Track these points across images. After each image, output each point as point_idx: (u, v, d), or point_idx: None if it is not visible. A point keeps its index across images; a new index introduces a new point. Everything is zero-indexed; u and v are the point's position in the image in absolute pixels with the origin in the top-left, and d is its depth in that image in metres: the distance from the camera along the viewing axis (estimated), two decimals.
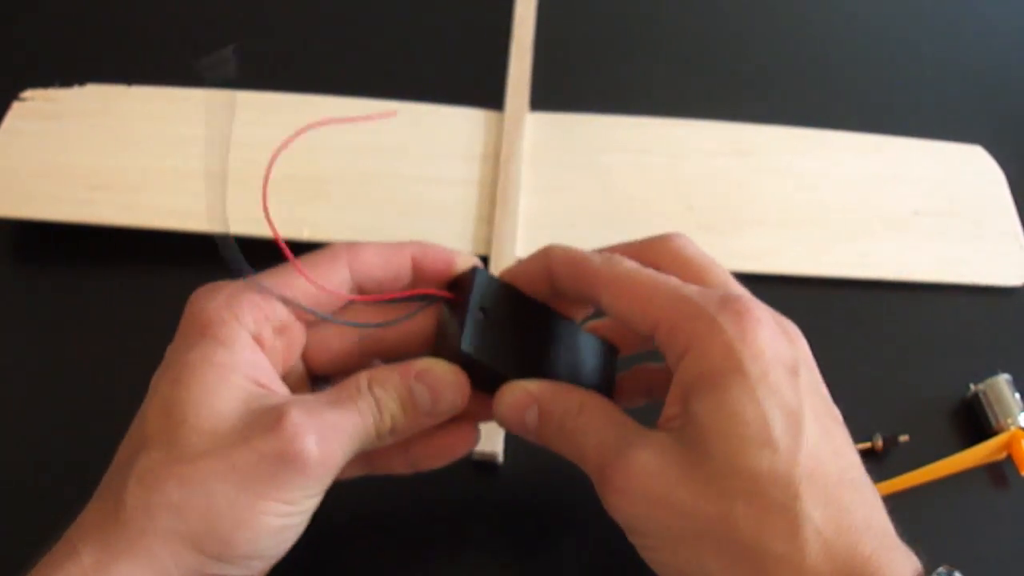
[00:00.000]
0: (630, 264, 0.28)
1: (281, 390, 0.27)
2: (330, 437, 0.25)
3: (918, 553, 0.25)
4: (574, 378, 0.29)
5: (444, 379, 0.28)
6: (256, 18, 0.54)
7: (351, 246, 0.29)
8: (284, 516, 0.25)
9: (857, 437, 0.39)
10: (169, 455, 0.24)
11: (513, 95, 0.47)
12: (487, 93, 0.48)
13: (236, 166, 0.44)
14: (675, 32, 0.55)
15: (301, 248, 0.42)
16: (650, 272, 0.27)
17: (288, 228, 0.42)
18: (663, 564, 0.26)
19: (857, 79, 0.53)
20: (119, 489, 0.24)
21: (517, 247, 0.42)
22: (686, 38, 0.55)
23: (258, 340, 0.27)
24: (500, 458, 0.37)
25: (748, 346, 0.25)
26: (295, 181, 0.44)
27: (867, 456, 0.39)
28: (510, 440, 0.37)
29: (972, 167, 0.48)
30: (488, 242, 0.42)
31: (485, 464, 0.37)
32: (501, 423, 0.29)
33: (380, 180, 0.44)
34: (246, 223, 0.43)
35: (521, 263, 0.30)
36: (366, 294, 0.29)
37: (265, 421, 0.25)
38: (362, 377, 0.27)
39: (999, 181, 0.47)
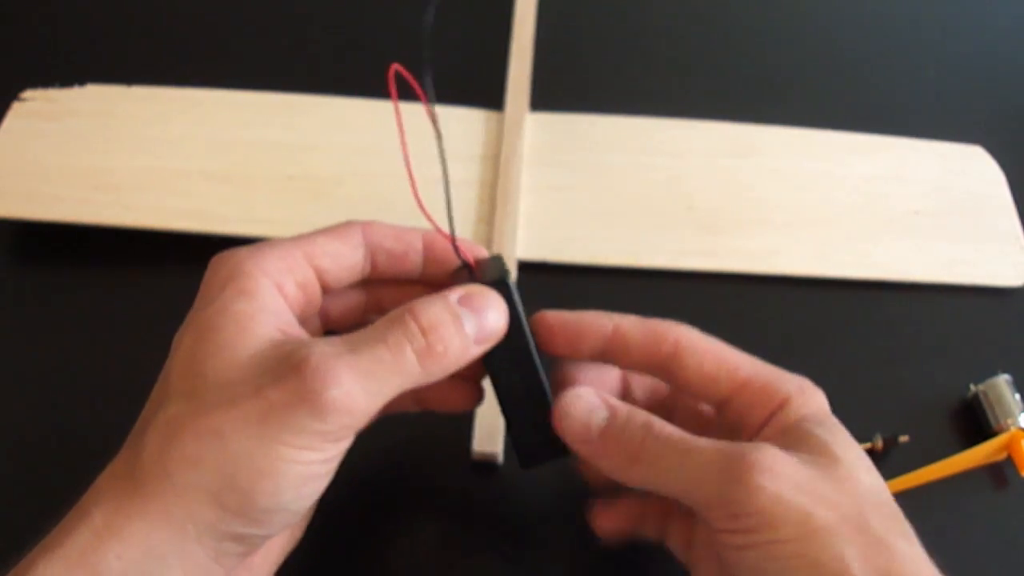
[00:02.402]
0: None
1: (303, 337, 0.26)
2: (354, 379, 0.24)
3: None
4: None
5: (487, 299, 0.27)
6: (256, 18, 0.54)
7: (365, 221, 0.30)
8: (306, 464, 0.24)
9: (857, 437, 0.39)
10: (187, 407, 0.24)
11: (513, 95, 0.47)
12: (487, 93, 0.48)
13: (236, 166, 0.45)
14: (675, 32, 0.55)
15: None
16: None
17: (289, 228, 0.42)
18: (777, 560, 0.25)
19: (857, 79, 0.53)
20: (136, 447, 0.24)
21: (517, 247, 0.42)
22: (686, 38, 0.55)
23: (280, 289, 0.26)
24: (500, 458, 0.37)
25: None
26: (295, 181, 0.44)
27: (867, 456, 0.39)
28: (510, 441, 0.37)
29: (972, 167, 0.48)
30: (488, 242, 0.42)
31: (485, 464, 0.37)
32: (565, 417, 0.28)
33: (380, 180, 0.44)
34: (246, 223, 0.43)
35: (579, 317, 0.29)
36: (379, 267, 0.30)
37: (285, 367, 0.23)
38: (399, 312, 0.26)
39: (999, 181, 0.47)
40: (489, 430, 0.37)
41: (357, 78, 0.51)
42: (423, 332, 0.25)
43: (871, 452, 0.39)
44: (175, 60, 0.51)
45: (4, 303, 0.42)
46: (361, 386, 0.24)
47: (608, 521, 0.31)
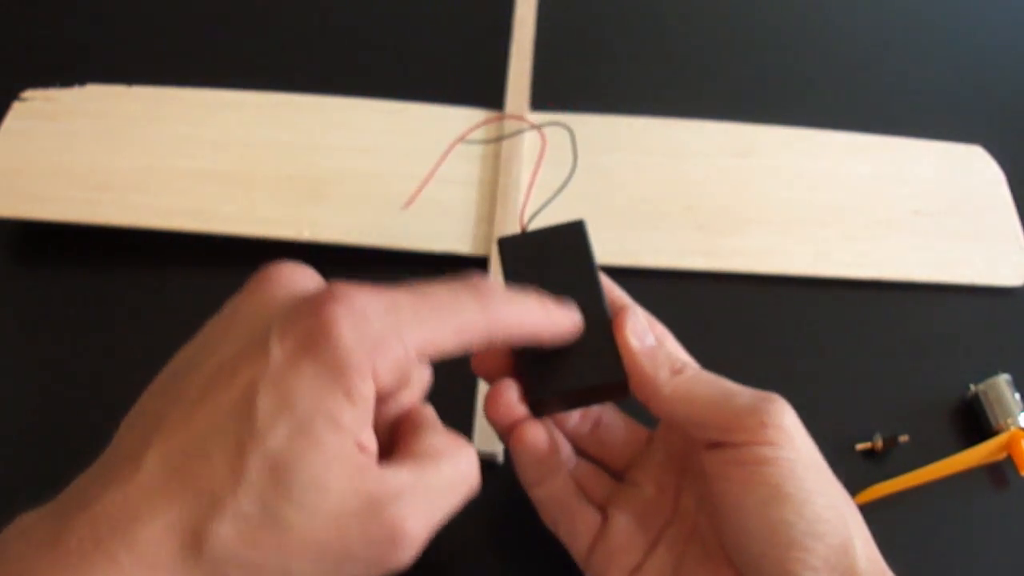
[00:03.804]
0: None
1: (371, 445, 0.24)
2: (435, 516, 0.25)
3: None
4: None
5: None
6: (256, 18, 0.54)
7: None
8: None
9: (857, 437, 0.39)
10: (261, 511, 0.22)
11: (513, 95, 0.47)
12: (487, 93, 0.48)
13: (236, 166, 0.45)
14: (675, 32, 0.55)
15: (302, 248, 0.42)
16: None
17: (288, 228, 0.42)
18: (791, 480, 0.26)
19: (857, 79, 0.53)
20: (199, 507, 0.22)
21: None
22: (686, 38, 0.55)
23: (376, 380, 0.23)
24: (500, 458, 0.37)
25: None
26: (295, 181, 0.44)
27: (867, 456, 0.39)
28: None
29: (972, 167, 0.48)
30: (488, 242, 0.42)
31: (485, 464, 0.37)
32: (630, 336, 0.30)
33: (380, 180, 0.44)
34: (247, 223, 0.43)
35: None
36: None
37: (375, 531, 0.23)
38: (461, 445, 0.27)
39: (999, 181, 0.47)
40: (489, 430, 0.37)
41: (357, 78, 0.51)
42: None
43: (871, 452, 0.39)
44: (175, 60, 0.51)
45: (4, 303, 0.42)
46: (440, 517, 0.25)
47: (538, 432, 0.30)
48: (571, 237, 0.32)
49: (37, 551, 0.21)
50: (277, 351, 0.22)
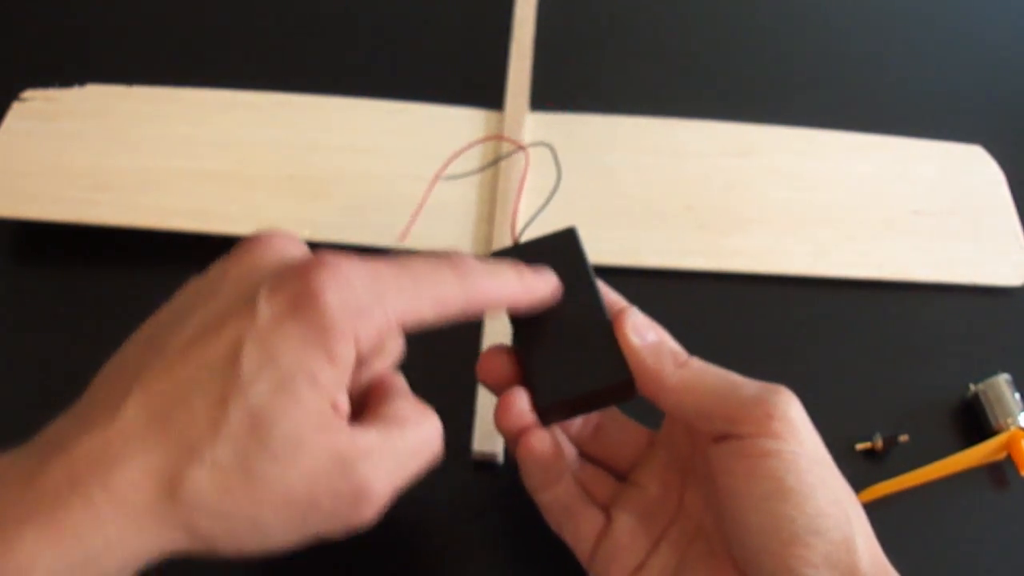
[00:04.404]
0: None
1: (345, 407, 0.25)
2: (399, 477, 0.26)
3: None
4: None
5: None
6: (256, 18, 0.54)
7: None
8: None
9: (857, 437, 0.39)
10: (237, 462, 0.23)
11: (513, 95, 0.47)
12: (487, 93, 0.48)
13: (236, 166, 0.45)
14: (675, 32, 0.55)
15: None
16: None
17: (288, 228, 0.42)
18: (793, 473, 0.26)
19: (857, 79, 0.53)
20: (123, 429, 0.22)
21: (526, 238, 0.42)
22: (687, 38, 0.55)
23: (356, 345, 0.24)
24: (500, 458, 0.37)
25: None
26: (295, 181, 0.44)
27: (867, 456, 0.39)
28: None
29: (972, 167, 0.48)
30: (488, 242, 0.42)
31: (485, 464, 0.37)
32: (631, 333, 0.30)
33: (380, 180, 0.44)
34: (247, 223, 0.43)
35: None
36: None
37: (343, 488, 0.24)
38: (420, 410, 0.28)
39: (999, 181, 0.47)
40: (489, 430, 0.37)
41: (357, 78, 0.51)
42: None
43: (871, 452, 0.39)
44: (175, 60, 0.51)
45: (4, 303, 0.42)
46: (405, 477, 0.26)
47: (541, 442, 0.31)
48: (564, 245, 0.32)
49: (11, 490, 0.22)
50: (265, 310, 0.23)
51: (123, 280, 0.43)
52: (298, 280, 0.24)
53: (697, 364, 0.30)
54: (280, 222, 0.43)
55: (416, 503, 0.36)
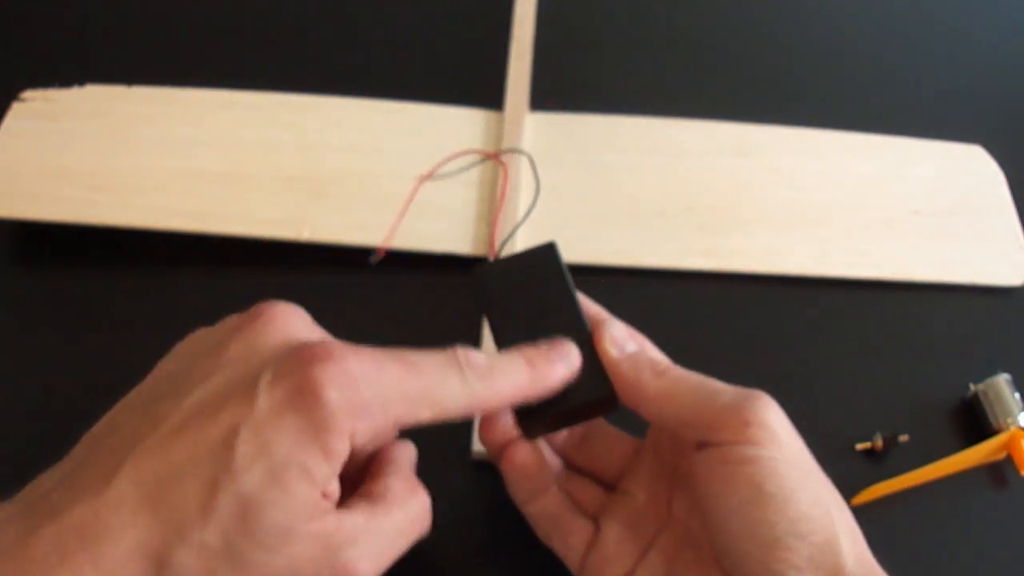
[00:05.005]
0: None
1: (335, 493, 0.25)
2: (385, 559, 0.26)
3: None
4: None
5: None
6: (256, 18, 0.54)
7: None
8: None
9: (857, 437, 0.39)
10: (224, 546, 0.23)
11: (513, 95, 0.47)
12: (487, 93, 0.48)
13: (236, 166, 0.45)
14: (675, 32, 0.55)
15: (301, 247, 0.42)
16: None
17: (288, 228, 0.42)
18: (772, 479, 0.26)
19: (857, 79, 0.53)
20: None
21: (517, 247, 0.42)
22: (686, 38, 0.55)
23: (352, 449, 0.25)
24: None
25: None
26: (295, 181, 0.44)
27: (867, 456, 0.39)
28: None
29: (972, 167, 0.48)
30: (487, 242, 0.42)
31: (485, 464, 0.37)
32: (609, 346, 0.30)
33: (380, 180, 0.44)
34: (246, 223, 0.43)
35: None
36: None
37: (328, 573, 0.24)
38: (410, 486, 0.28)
39: (999, 181, 0.47)
40: None
41: (357, 78, 0.51)
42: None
43: (871, 452, 0.39)
44: (175, 60, 0.51)
45: (4, 303, 0.42)
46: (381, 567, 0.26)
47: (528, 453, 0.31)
48: (544, 260, 0.32)
49: (2, 556, 0.22)
50: (264, 399, 0.23)
51: (122, 280, 0.43)
52: (301, 371, 0.24)
53: (676, 373, 0.30)
54: (279, 222, 0.43)
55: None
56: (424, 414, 0.26)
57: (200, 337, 0.28)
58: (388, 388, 0.25)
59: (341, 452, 0.24)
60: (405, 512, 0.27)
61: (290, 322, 0.26)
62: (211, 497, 0.23)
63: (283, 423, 0.23)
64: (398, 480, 0.27)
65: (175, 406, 0.24)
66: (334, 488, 0.25)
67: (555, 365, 0.29)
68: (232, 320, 0.27)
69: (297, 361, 0.24)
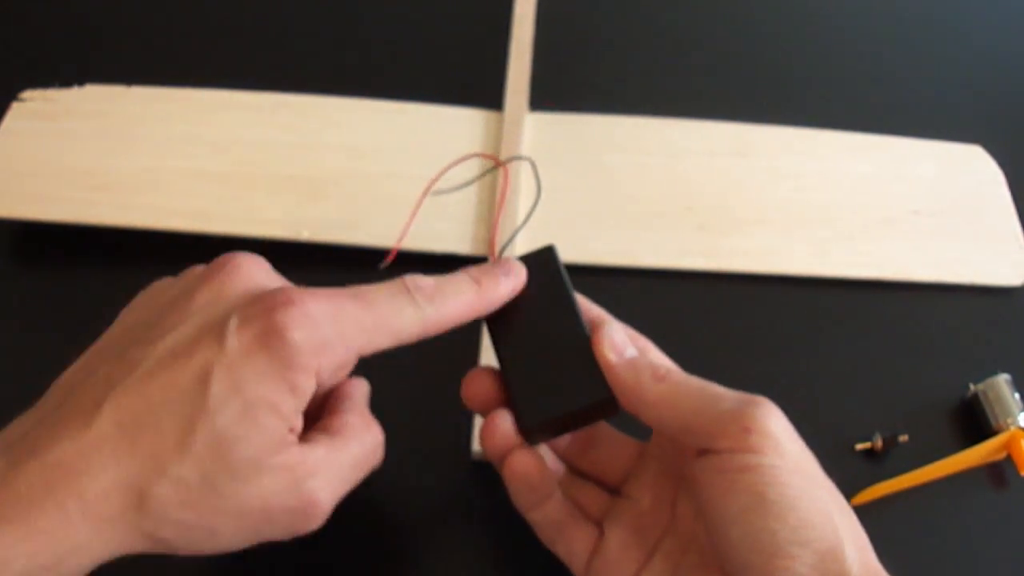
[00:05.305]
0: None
1: (299, 427, 0.27)
2: (343, 488, 0.27)
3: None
4: None
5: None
6: (256, 18, 0.54)
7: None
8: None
9: (857, 437, 0.39)
10: (201, 479, 0.24)
11: (513, 95, 0.47)
12: (487, 93, 0.48)
13: (236, 166, 0.45)
14: (675, 32, 0.55)
15: (301, 247, 0.42)
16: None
17: (288, 228, 0.42)
18: (774, 487, 0.26)
19: (857, 79, 0.53)
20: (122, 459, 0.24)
21: (517, 247, 0.42)
22: (686, 38, 0.55)
23: (317, 378, 0.26)
24: None
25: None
26: (295, 181, 0.44)
27: (867, 456, 0.39)
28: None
29: (972, 167, 0.48)
30: (488, 243, 0.42)
31: (485, 464, 0.37)
32: (608, 351, 0.30)
33: (380, 180, 0.44)
34: (246, 223, 0.43)
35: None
36: None
37: (293, 502, 0.26)
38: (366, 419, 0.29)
39: (999, 181, 0.47)
40: None
41: (357, 78, 0.51)
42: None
43: (871, 452, 0.39)
44: (175, 60, 0.51)
45: (4, 303, 0.42)
46: (347, 488, 0.28)
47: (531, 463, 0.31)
48: (544, 263, 0.32)
49: None
50: (234, 341, 0.25)
51: (122, 280, 0.42)
52: (266, 316, 0.25)
53: (677, 378, 0.29)
54: (279, 222, 0.43)
55: (416, 503, 0.36)
56: (382, 342, 0.27)
57: (164, 287, 0.29)
58: (346, 324, 0.26)
59: (307, 389, 0.26)
60: (361, 445, 0.28)
61: (253, 271, 0.28)
62: (187, 434, 0.24)
63: (253, 363, 0.25)
64: (354, 415, 0.29)
65: (149, 350, 0.25)
66: (299, 423, 0.26)
67: (500, 280, 0.30)
68: (196, 270, 0.29)
69: (262, 306, 0.26)
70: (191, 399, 0.24)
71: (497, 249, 0.37)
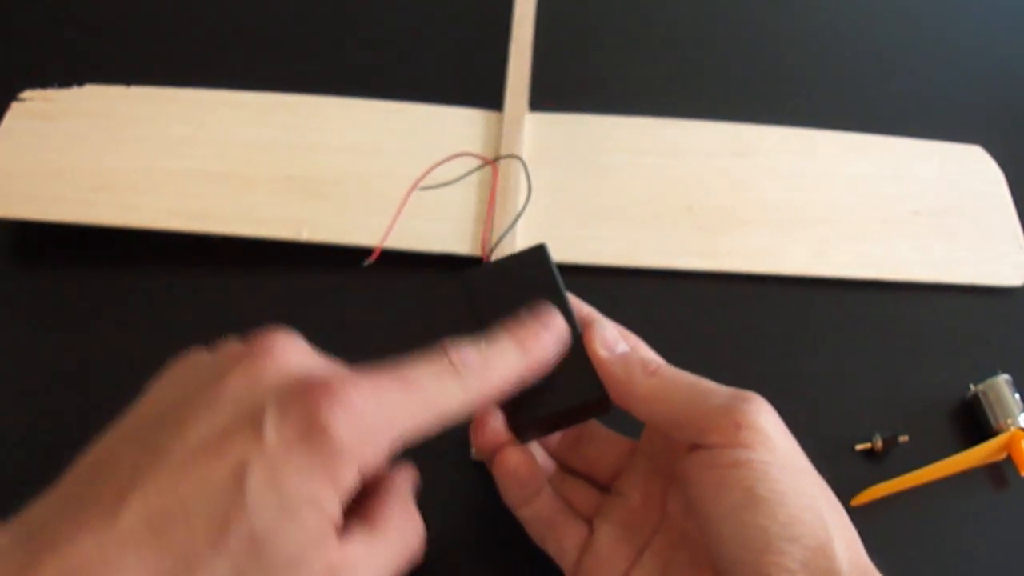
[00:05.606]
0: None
1: (340, 521, 0.25)
2: None
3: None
4: None
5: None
6: (255, 18, 0.54)
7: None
8: None
9: (857, 437, 0.39)
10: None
11: (513, 95, 0.47)
12: (487, 93, 0.48)
13: (236, 166, 0.45)
14: (675, 32, 0.55)
15: (301, 247, 0.42)
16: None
17: (288, 228, 0.42)
18: (765, 482, 0.26)
19: (857, 79, 0.53)
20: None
21: (516, 247, 0.42)
22: (686, 38, 0.55)
23: (361, 475, 0.25)
24: None
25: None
26: (295, 181, 0.44)
27: (867, 456, 0.39)
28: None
29: (972, 167, 0.48)
30: (488, 242, 0.42)
31: (485, 464, 0.37)
32: (599, 347, 0.30)
33: (380, 180, 0.44)
34: (246, 223, 0.43)
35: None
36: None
37: None
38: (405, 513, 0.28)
39: (999, 181, 0.47)
40: None
41: (357, 78, 0.51)
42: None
43: (871, 452, 0.39)
44: (175, 60, 0.51)
45: (4, 303, 0.42)
46: None
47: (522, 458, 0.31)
48: (534, 262, 0.32)
49: None
50: (273, 435, 0.24)
51: (122, 281, 0.43)
52: (307, 409, 0.24)
53: (668, 373, 0.29)
54: (279, 222, 0.43)
55: (416, 503, 0.36)
56: (428, 426, 0.26)
57: (195, 363, 0.27)
58: (390, 411, 0.25)
59: (350, 483, 0.24)
60: (402, 540, 0.27)
61: (290, 353, 0.26)
62: (222, 532, 0.23)
63: (294, 459, 0.23)
64: (396, 508, 0.28)
65: (178, 438, 0.24)
66: (340, 518, 0.25)
67: (544, 341, 0.29)
68: (230, 348, 0.27)
69: (303, 398, 0.24)
70: (226, 495, 0.23)
71: (488, 248, 0.36)
